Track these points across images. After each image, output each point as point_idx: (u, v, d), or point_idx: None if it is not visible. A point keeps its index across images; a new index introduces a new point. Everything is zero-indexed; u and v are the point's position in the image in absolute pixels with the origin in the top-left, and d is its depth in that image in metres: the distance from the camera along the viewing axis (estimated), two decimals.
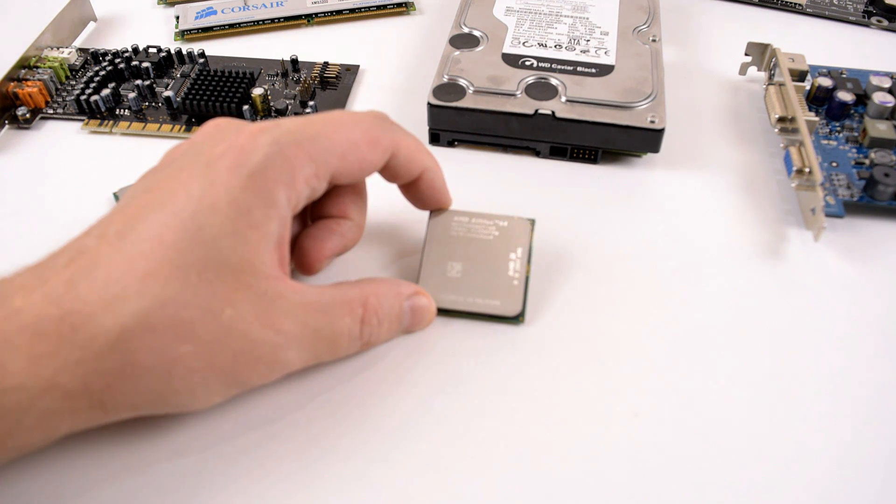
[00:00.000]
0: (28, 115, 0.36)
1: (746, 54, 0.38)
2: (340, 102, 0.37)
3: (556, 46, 0.36)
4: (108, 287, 0.20)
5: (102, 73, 0.37)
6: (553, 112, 0.33)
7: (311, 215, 0.27)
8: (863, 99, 0.36)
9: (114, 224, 0.21)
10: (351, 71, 0.39)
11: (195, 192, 0.21)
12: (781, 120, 0.34)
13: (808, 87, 0.36)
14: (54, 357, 0.19)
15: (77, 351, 0.19)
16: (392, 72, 0.40)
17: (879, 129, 0.33)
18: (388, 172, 0.26)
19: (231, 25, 0.42)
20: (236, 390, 0.23)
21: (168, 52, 0.39)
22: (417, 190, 0.28)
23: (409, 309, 0.26)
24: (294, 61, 0.39)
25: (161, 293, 0.20)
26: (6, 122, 0.36)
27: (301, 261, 0.26)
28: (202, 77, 0.37)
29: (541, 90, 0.34)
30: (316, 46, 0.41)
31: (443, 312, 0.27)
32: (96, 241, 0.21)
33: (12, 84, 0.36)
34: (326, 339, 0.23)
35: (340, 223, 0.27)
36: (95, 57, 0.39)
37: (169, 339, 0.20)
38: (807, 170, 0.31)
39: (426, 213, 0.29)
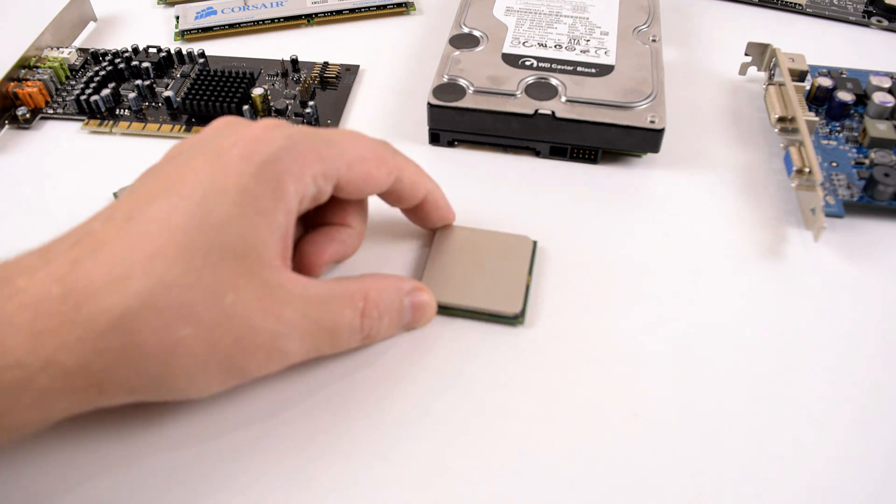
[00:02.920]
0: (28, 115, 0.36)
1: (746, 54, 0.38)
2: (340, 102, 0.37)
3: (556, 46, 0.36)
4: (113, 267, 0.20)
5: (102, 73, 0.38)
6: (553, 112, 0.33)
7: (312, 222, 0.27)
8: (863, 99, 0.36)
9: (121, 208, 0.21)
10: (351, 71, 0.39)
11: (205, 178, 0.21)
12: (781, 120, 0.34)
13: (808, 87, 0.36)
14: (55, 334, 0.19)
15: (78, 329, 0.19)
16: (392, 72, 0.40)
17: (879, 129, 0.33)
18: (393, 196, 0.27)
19: (231, 25, 0.42)
20: (236, 380, 0.23)
21: (168, 52, 0.39)
22: (422, 212, 0.28)
23: (409, 305, 0.26)
24: (294, 61, 0.39)
25: (165, 274, 0.20)
26: (6, 122, 0.36)
27: (300, 265, 0.26)
28: (202, 77, 0.37)
29: (541, 90, 0.34)
30: (316, 46, 0.41)
31: (443, 310, 0.27)
32: (103, 224, 0.21)
33: (12, 84, 0.37)
34: (327, 330, 0.23)
35: (341, 230, 0.27)
36: (95, 57, 0.39)
37: (171, 321, 0.20)
38: (807, 170, 0.31)
39: None
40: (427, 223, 0.29)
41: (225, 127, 0.24)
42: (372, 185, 0.25)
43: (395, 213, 0.31)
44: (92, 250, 0.20)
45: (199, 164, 0.22)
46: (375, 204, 0.29)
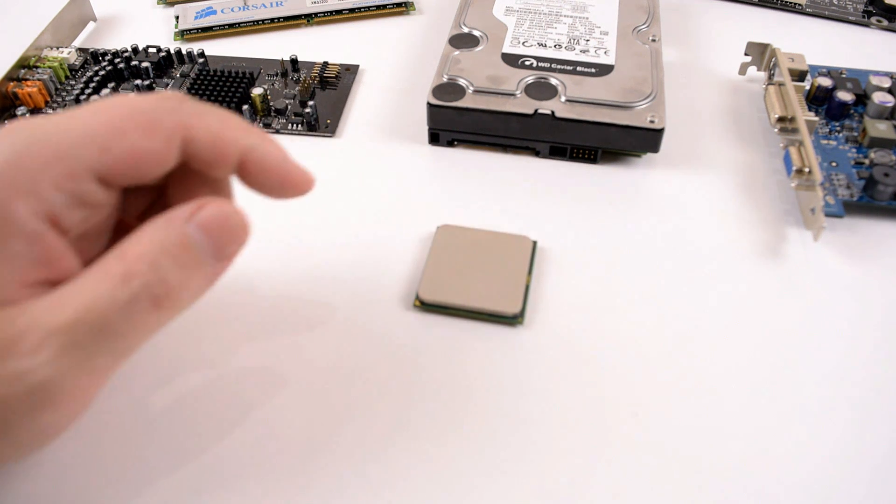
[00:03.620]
0: (28, 116, 0.36)
1: (746, 54, 0.38)
2: (340, 102, 0.37)
3: (555, 46, 0.36)
4: None
5: (102, 73, 0.38)
6: (553, 112, 0.33)
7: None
8: (862, 99, 0.36)
9: None
10: (351, 71, 0.39)
11: None
12: (781, 120, 0.34)
13: (807, 87, 0.36)
14: None
15: None
16: (392, 72, 0.40)
17: (879, 128, 0.33)
18: (201, 164, 0.21)
19: (231, 25, 0.42)
20: (10, 451, 0.19)
21: (168, 52, 0.39)
22: (252, 177, 0.21)
23: (198, 228, 0.20)
24: (294, 61, 0.39)
25: None
26: (5, 122, 0.36)
27: None
28: (202, 77, 0.37)
29: (540, 90, 0.34)
30: (315, 46, 0.41)
31: (443, 310, 0.27)
32: None
33: (12, 84, 0.37)
34: (87, 325, 0.18)
35: None
36: (95, 57, 0.39)
37: None
38: (806, 170, 0.31)
39: (422, 223, 0.29)
40: (274, 192, 0.22)
41: None
42: (148, 163, 0.20)
43: (394, 212, 0.31)
44: None
45: None
46: (371, 203, 0.29)
